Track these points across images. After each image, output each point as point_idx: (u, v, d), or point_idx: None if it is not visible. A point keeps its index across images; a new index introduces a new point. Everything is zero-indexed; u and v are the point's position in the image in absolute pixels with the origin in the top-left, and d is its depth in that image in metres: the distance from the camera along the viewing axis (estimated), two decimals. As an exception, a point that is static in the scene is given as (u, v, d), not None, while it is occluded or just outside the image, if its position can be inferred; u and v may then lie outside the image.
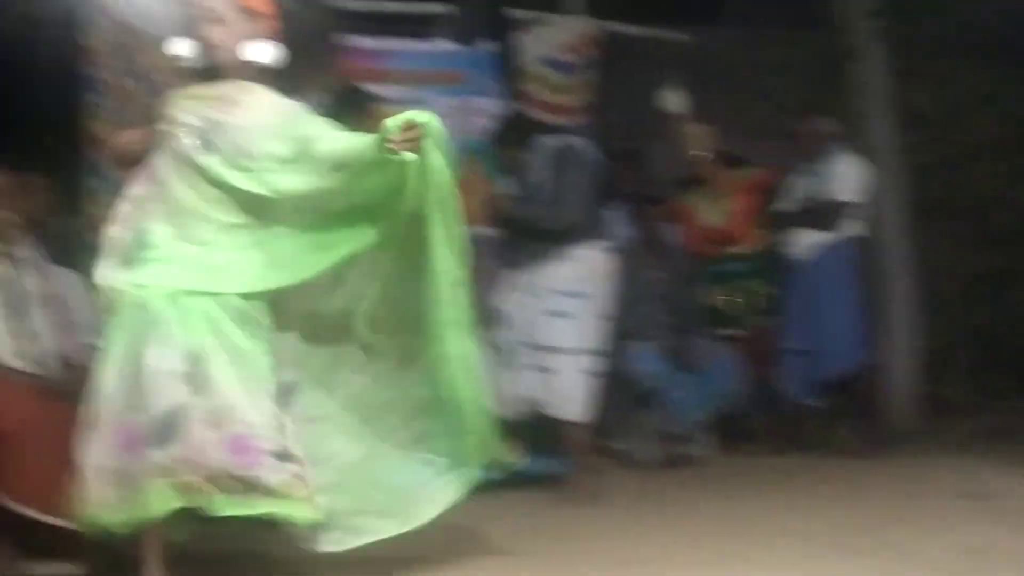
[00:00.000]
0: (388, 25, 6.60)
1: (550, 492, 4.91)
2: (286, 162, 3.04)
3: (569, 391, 4.64)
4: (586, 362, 4.68)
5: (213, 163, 3.02)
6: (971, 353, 5.93)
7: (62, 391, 3.60)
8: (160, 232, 3.00)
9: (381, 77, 6.41)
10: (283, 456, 2.92)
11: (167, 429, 2.81)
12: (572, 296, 4.67)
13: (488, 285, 5.48)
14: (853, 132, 5.76)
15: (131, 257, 3.04)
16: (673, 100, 5.91)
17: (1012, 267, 5.88)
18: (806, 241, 5.46)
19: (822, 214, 5.39)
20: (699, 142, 5.85)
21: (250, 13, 3.07)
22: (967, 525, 3.78)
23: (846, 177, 5.44)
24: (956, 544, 3.50)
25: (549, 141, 4.81)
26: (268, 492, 2.86)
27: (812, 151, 5.54)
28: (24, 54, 6.18)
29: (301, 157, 3.04)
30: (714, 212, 5.94)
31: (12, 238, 3.86)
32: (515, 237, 4.87)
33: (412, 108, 6.93)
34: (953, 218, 6.01)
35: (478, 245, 6.46)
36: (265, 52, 3.08)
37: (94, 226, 5.63)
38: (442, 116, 6.36)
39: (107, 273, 3.09)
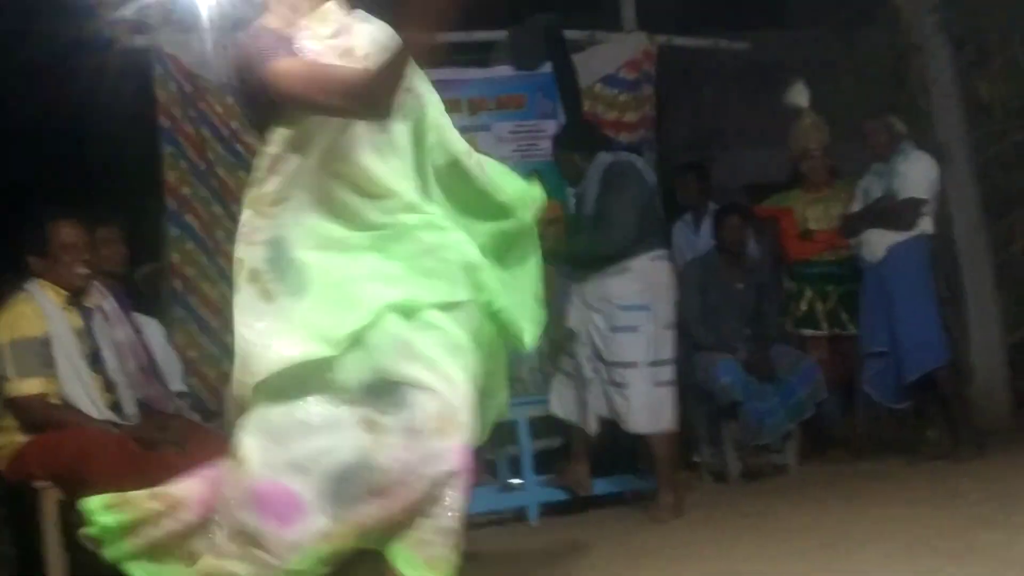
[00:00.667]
0: (449, 54, 6.68)
1: (635, 508, 4.90)
2: None
3: (644, 404, 4.63)
4: (657, 374, 4.66)
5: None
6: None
7: (141, 438, 3.67)
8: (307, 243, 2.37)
9: (445, 107, 6.48)
10: None
11: None
12: (636, 309, 4.67)
13: (558, 303, 5.49)
14: (920, 128, 5.65)
15: (270, 288, 2.38)
16: (800, 94, 5.85)
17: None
18: (880, 242, 5.35)
19: (896, 213, 5.29)
20: (817, 137, 5.80)
21: None
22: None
23: (917, 175, 5.32)
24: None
25: (604, 157, 4.83)
26: None
27: (882, 150, 5.44)
28: (98, 110, 6.36)
29: None
30: (824, 217, 5.86)
31: (88, 289, 3.93)
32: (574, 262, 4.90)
33: (477, 135, 7.08)
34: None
35: (547, 264, 6.53)
36: None
37: (175, 274, 5.82)
38: (505, 140, 6.63)
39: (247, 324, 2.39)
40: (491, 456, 5.49)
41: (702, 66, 7.76)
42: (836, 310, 5.78)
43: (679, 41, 7.13)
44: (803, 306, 5.83)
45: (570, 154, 4.94)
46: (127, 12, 5.70)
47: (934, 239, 5.36)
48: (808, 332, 5.78)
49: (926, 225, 5.31)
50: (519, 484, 5.20)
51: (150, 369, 4.08)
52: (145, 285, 5.60)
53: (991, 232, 5.74)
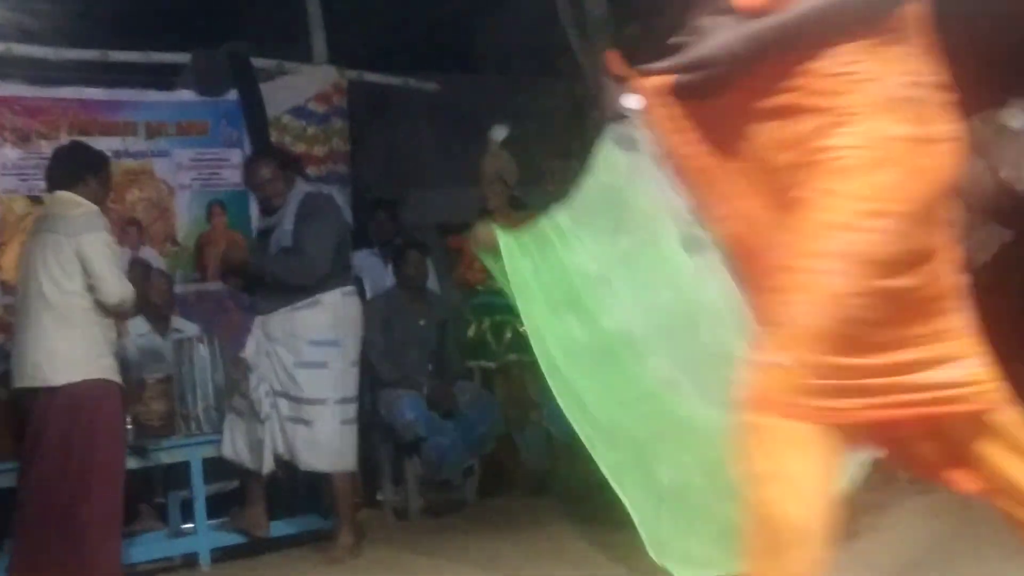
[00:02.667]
0: (125, 75, 6.39)
1: (313, 550, 4.79)
2: None
3: (328, 442, 4.54)
4: (344, 411, 4.60)
5: None
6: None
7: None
8: None
9: (117, 130, 6.18)
10: None
11: None
12: (325, 345, 4.58)
13: (237, 337, 5.32)
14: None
15: None
16: (500, 131, 5.93)
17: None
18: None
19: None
20: (502, 169, 5.92)
21: None
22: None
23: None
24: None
25: (301, 186, 4.75)
26: None
27: (562, 191, 5.66)
28: None
29: None
30: None
31: None
32: (262, 288, 4.74)
33: (154, 160, 6.80)
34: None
35: (226, 297, 6.34)
36: None
37: None
38: (186, 168, 6.40)
39: None
40: (162, 500, 5.23)
41: (395, 104, 7.84)
42: (512, 341, 5.95)
43: (370, 77, 7.16)
44: (476, 337, 5.97)
45: (265, 181, 4.77)
46: None
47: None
48: (481, 363, 5.90)
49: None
50: (191, 529, 4.97)
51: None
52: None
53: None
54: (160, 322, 5.53)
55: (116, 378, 4.23)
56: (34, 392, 4.14)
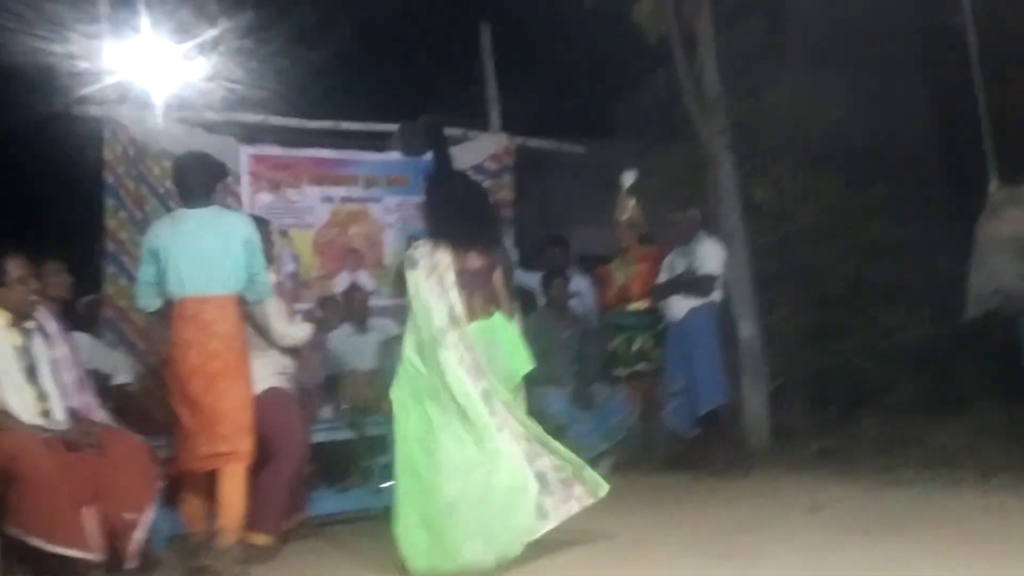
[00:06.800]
0: (350, 140, 6.62)
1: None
2: None
3: None
4: None
5: None
6: (807, 391, 5.97)
7: (68, 441, 3.43)
8: None
9: (343, 181, 6.40)
10: None
11: None
12: None
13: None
14: (711, 221, 5.83)
15: None
16: (628, 177, 5.95)
17: (835, 323, 5.97)
18: (681, 305, 5.48)
19: (693, 284, 5.43)
20: (632, 215, 5.92)
21: None
22: (806, 531, 3.76)
23: (712, 256, 5.49)
24: (798, 548, 3.48)
25: None
26: None
27: (684, 235, 5.60)
28: (54, 167, 6.09)
29: None
30: (624, 274, 5.99)
31: (30, 313, 3.66)
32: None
33: (370, 204, 6.97)
34: (789, 286, 6.09)
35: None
36: None
37: (110, 304, 5.56)
38: (392, 211, 6.57)
39: None
40: (367, 464, 5.33)
41: (550, 163, 7.90)
42: (640, 352, 5.88)
43: (532, 142, 7.24)
44: (610, 350, 5.92)
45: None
46: (86, 88, 5.58)
47: (720, 305, 5.52)
48: (614, 372, 5.85)
49: (716, 295, 5.47)
50: (389, 486, 5.04)
51: (81, 381, 3.81)
52: (85, 312, 5.33)
53: (759, 302, 5.92)
54: (360, 324, 5.72)
55: (282, 384, 4.23)
56: None
